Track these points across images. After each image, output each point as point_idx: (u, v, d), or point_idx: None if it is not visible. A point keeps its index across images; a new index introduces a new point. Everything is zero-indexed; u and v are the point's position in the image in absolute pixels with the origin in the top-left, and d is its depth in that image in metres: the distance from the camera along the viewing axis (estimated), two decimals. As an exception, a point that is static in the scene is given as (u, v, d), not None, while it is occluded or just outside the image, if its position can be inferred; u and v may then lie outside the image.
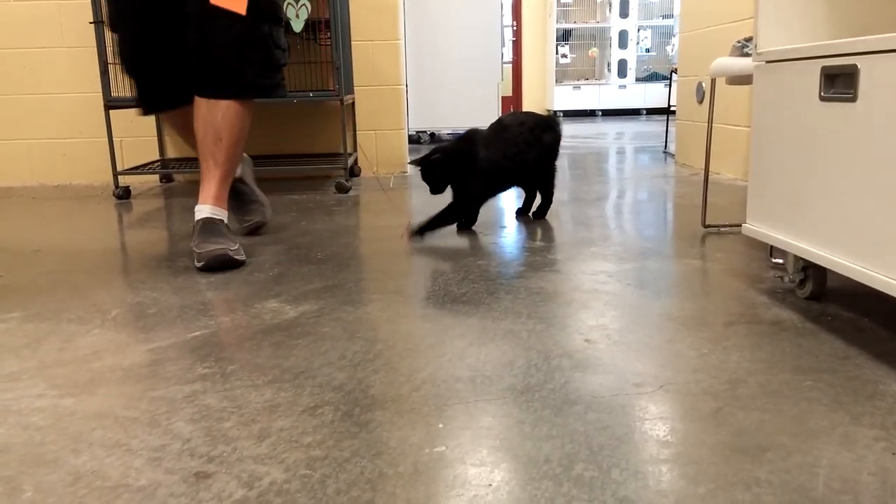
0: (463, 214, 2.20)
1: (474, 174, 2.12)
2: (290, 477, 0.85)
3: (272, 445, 0.93)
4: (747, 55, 2.04)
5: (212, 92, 1.89)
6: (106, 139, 3.04)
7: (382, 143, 3.63)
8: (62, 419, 1.02)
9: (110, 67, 3.01)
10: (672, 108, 4.35)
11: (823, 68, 1.30)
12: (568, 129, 6.78)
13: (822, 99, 1.31)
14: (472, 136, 2.18)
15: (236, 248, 1.86)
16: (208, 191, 1.94)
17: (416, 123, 5.22)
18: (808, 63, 1.35)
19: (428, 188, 2.14)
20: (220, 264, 1.82)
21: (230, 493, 0.82)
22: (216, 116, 1.89)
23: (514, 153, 2.21)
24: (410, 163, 1.97)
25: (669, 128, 4.51)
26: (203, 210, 1.92)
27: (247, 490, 0.83)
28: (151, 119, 3.50)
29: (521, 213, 2.47)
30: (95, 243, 2.18)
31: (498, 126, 2.26)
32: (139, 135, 3.52)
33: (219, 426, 0.98)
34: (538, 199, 2.43)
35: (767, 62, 1.50)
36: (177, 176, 3.60)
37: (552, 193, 2.41)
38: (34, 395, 1.10)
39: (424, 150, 2.16)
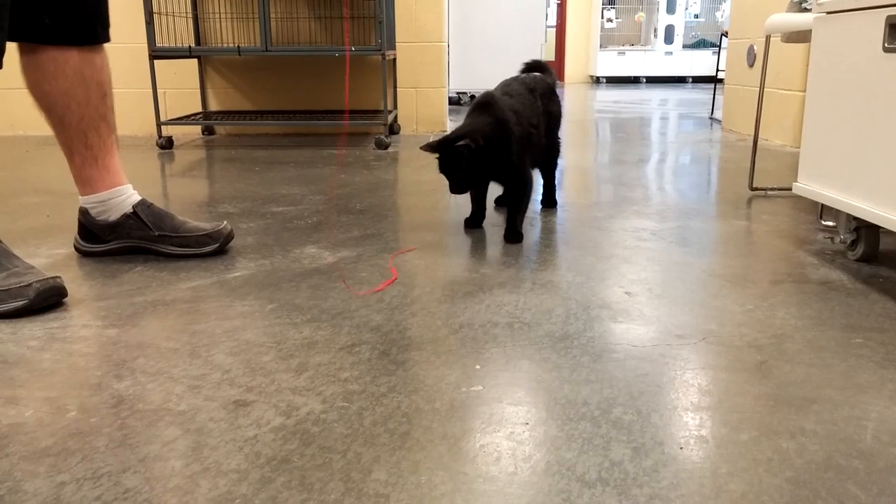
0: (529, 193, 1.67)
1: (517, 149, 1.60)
2: (327, 408, 0.86)
3: (310, 379, 0.93)
4: (806, 10, 1.96)
5: (95, 36, 1.48)
6: (150, 90, 3.06)
7: (422, 101, 3.60)
8: (105, 347, 1.04)
9: (155, 17, 3.02)
10: (720, 76, 4.23)
11: (889, 17, 1.24)
12: (611, 94, 6.65)
13: (887, 50, 1.25)
14: (493, 102, 1.62)
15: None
16: (117, 165, 1.50)
17: (456, 84, 5.16)
18: (873, 13, 1.29)
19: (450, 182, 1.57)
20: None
21: (268, 420, 0.83)
22: (96, 65, 1.47)
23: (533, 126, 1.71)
24: (422, 148, 1.58)
25: (716, 95, 4.38)
26: (132, 192, 1.53)
27: (284, 418, 0.83)
28: (195, 71, 3.52)
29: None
30: (137, 189, 2.21)
31: (508, 93, 1.70)
32: (182, 87, 3.55)
33: (257, 359, 0.99)
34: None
35: (828, 13, 1.44)
36: (218, 129, 3.62)
37: (555, 176, 1.95)
38: (79, 325, 1.12)
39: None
